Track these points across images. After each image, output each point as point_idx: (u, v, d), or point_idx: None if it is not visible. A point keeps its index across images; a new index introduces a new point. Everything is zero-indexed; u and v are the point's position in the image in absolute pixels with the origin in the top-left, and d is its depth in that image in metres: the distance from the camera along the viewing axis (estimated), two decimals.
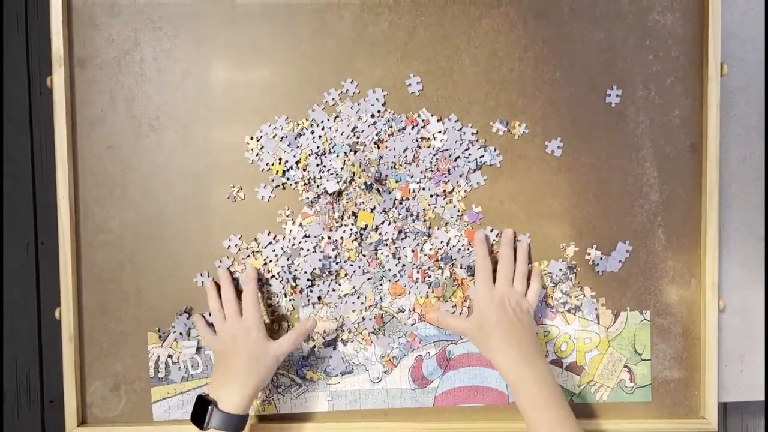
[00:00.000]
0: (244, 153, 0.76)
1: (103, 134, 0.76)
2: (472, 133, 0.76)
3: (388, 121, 0.76)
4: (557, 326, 0.77)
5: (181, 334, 0.76)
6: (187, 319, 0.76)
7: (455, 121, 0.76)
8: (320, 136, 0.76)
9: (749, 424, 0.90)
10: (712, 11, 0.74)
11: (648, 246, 0.77)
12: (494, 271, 0.74)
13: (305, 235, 0.76)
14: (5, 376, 0.89)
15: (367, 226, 0.75)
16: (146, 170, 0.76)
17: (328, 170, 0.76)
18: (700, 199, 0.77)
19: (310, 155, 0.76)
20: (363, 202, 0.76)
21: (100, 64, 0.76)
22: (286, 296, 0.77)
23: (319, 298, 0.76)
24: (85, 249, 0.77)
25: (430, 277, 0.76)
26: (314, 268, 0.75)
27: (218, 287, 0.75)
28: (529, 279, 0.75)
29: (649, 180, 0.77)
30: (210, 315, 0.75)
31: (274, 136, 0.76)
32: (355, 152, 0.76)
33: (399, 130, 0.76)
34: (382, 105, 0.76)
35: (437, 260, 0.76)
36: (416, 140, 0.76)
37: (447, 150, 0.76)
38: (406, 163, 0.76)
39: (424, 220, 0.76)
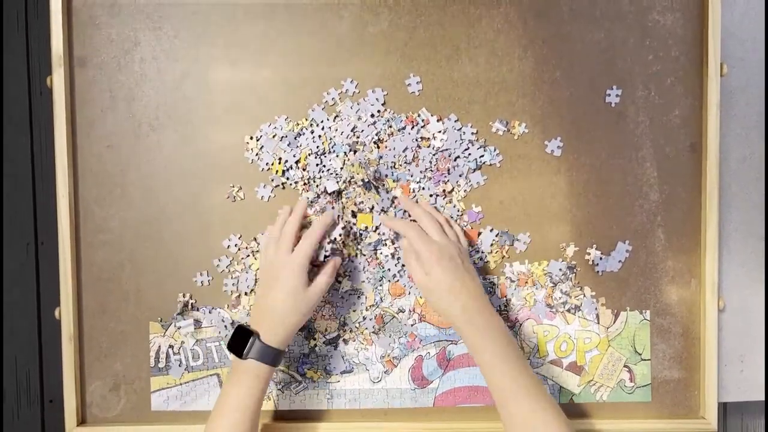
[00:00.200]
0: (244, 153, 0.76)
1: (102, 134, 0.76)
2: (472, 133, 0.76)
3: (388, 120, 0.76)
4: (557, 326, 0.77)
5: (179, 314, 0.76)
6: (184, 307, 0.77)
7: (455, 121, 0.76)
8: (320, 136, 0.76)
9: (749, 424, 0.90)
10: (712, 11, 0.74)
11: (648, 246, 0.77)
12: None
13: None
14: (5, 376, 0.89)
15: (367, 227, 0.76)
16: (146, 170, 0.76)
17: (328, 170, 0.76)
18: (700, 199, 0.77)
19: (309, 155, 0.76)
20: (362, 202, 0.75)
21: (99, 64, 0.76)
22: None
23: None
24: (84, 249, 0.77)
25: None
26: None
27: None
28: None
29: (649, 180, 0.77)
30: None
31: (274, 136, 0.76)
32: (355, 152, 0.76)
33: (399, 130, 0.76)
34: (382, 105, 0.76)
35: None
36: (416, 140, 0.76)
37: (447, 150, 0.76)
38: (405, 162, 0.76)
39: None
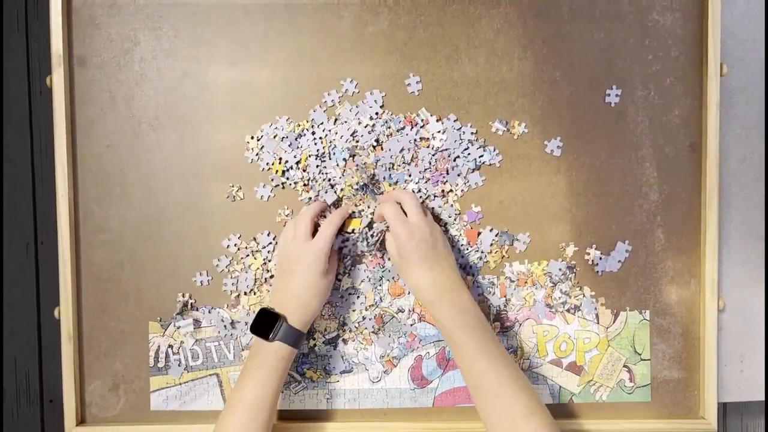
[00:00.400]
0: (244, 152, 0.76)
1: (102, 133, 0.76)
2: (472, 133, 0.76)
3: (386, 122, 0.76)
4: (557, 326, 0.77)
5: (179, 314, 0.77)
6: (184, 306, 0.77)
7: (454, 121, 0.76)
8: (321, 138, 0.76)
9: (749, 424, 0.90)
10: (712, 11, 0.74)
11: (647, 246, 0.77)
12: None
13: None
14: (5, 376, 0.89)
15: (354, 230, 0.75)
16: (146, 170, 0.76)
17: (327, 180, 0.75)
18: (700, 199, 0.77)
19: (310, 156, 0.76)
20: (362, 210, 0.75)
21: (99, 64, 0.76)
22: None
23: None
24: (84, 248, 0.77)
25: None
26: None
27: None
28: None
29: (648, 180, 0.77)
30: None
31: (274, 136, 0.76)
32: (354, 157, 0.76)
33: (398, 130, 0.76)
34: (380, 107, 0.76)
35: None
36: (415, 140, 0.76)
37: (446, 150, 0.76)
38: (404, 163, 0.76)
39: None
